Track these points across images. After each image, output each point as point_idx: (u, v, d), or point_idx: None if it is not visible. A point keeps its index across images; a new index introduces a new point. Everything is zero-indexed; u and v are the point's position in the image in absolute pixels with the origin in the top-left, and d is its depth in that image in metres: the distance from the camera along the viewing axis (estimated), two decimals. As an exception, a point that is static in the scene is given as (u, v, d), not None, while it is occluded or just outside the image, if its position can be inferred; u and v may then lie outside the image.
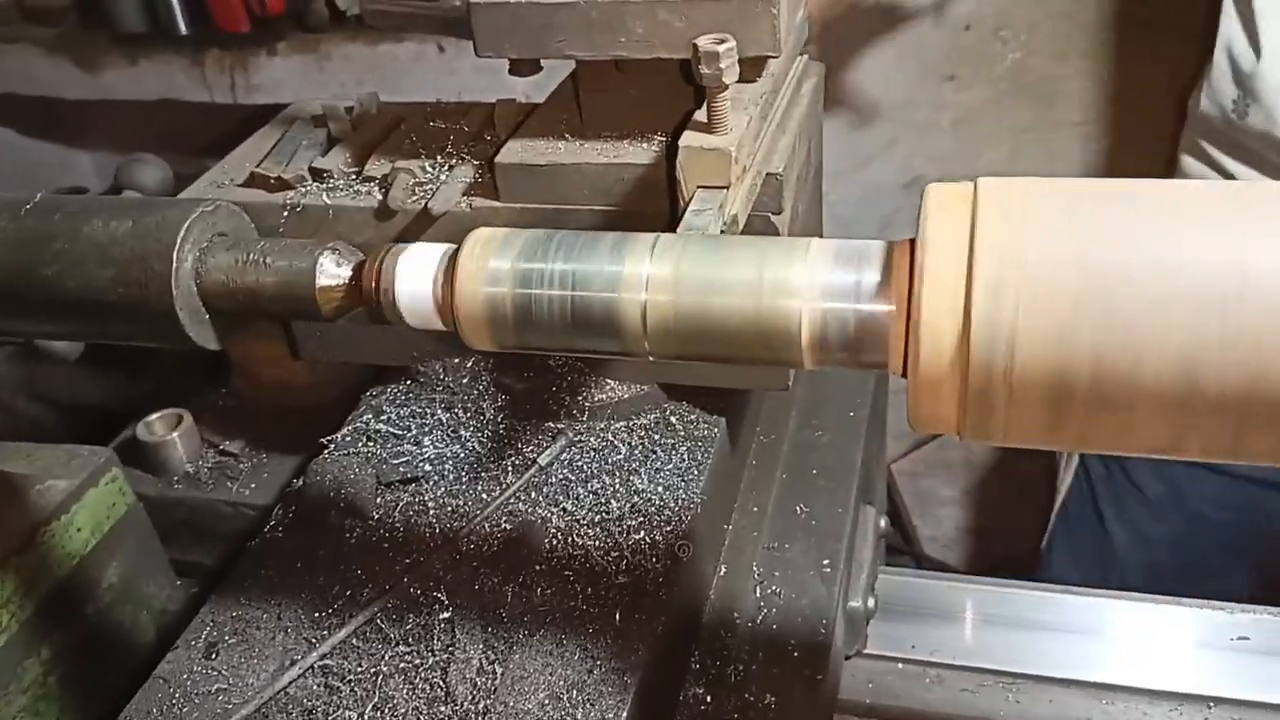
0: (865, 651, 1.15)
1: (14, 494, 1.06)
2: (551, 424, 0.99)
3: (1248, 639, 1.16)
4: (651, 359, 0.63)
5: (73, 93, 2.54)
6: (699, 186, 0.78)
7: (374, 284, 0.67)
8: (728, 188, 0.78)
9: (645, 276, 0.61)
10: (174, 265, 0.69)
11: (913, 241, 0.58)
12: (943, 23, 2.04)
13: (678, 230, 0.74)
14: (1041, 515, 2.09)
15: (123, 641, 1.16)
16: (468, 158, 0.99)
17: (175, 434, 1.27)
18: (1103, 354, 0.53)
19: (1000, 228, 0.55)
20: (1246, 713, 1.11)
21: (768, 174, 0.87)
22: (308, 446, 1.28)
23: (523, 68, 0.88)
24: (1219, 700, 1.11)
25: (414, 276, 0.65)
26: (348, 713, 0.78)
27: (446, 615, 0.84)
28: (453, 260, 0.64)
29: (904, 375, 0.58)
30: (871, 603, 1.12)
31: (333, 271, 0.68)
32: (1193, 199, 0.55)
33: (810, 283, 0.59)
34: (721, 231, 0.75)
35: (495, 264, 0.63)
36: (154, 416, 1.29)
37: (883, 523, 1.24)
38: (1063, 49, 2.02)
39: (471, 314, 0.64)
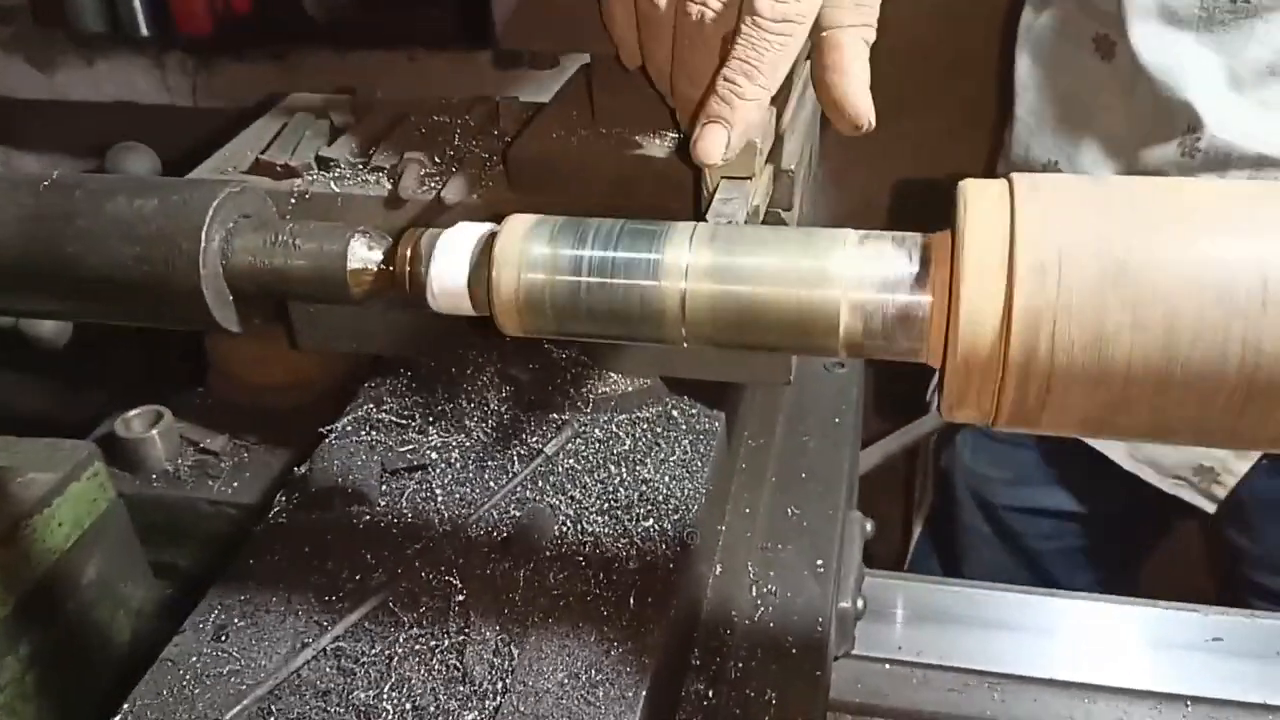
0: (853, 652, 1.16)
1: (-5, 487, 1.04)
2: (556, 415, 0.99)
3: (1221, 640, 1.20)
4: (686, 345, 0.64)
5: (26, 93, 2.48)
6: (723, 177, 0.79)
7: (407, 268, 0.67)
8: (751, 179, 0.79)
9: (685, 265, 0.61)
10: (202, 244, 0.68)
11: (951, 233, 0.59)
12: (898, 54, 2.08)
13: (706, 218, 0.75)
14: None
15: (100, 641, 1.13)
16: (476, 150, 0.99)
17: (154, 431, 1.24)
18: (1135, 343, 0.54)
19: (1038, 219, 0.56)
20: (1221, 711, 1.14)
21: (780, 170, 0.88)
22: (290, 446, 1.27)
23: (542, 61, 0.89)
24: (1196, 699, 1.14)
25: (450, 261, 0.65)
26: (364, 693, 0.77)
27: (460, 599, 0.83)
28: (489, 245, 0.64)
29: (940, 365, 0.59)
30: (860, 604, 1.13)
31: (363, 255, 0.68)
32: (1215, 193, 0.57)
33: (850, 272, 0.60)
34: (745, 221, 0.76)
35: (534, 250, 0.63)
36: (132, 413, 1.27)
37: (868, 526, 1.25)
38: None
39: (509, 300, 0.63)
